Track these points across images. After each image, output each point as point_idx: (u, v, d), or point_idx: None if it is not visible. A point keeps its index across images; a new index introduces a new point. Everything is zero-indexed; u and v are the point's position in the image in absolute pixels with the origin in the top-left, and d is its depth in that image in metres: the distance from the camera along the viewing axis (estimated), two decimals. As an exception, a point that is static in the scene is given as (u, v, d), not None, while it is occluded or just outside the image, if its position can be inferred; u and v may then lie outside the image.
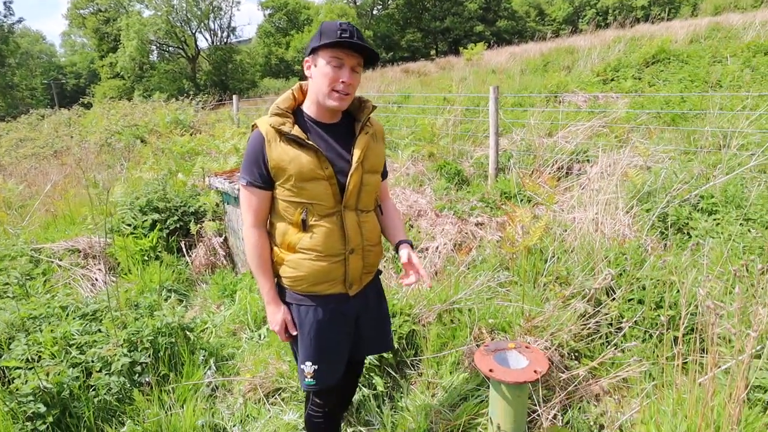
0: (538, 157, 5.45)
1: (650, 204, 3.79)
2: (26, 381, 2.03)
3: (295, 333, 1.61)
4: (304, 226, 1.52)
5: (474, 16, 38.36)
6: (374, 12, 41.59)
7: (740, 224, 3.49)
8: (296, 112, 1.58)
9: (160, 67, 34.27)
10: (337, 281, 1.59)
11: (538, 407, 1.91)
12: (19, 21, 36.15)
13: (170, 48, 34.86)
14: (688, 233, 3.66)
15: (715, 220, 3.61)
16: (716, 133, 5.16)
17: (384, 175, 1.74)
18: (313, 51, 1.49)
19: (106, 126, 11.34)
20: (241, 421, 2.26)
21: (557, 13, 41.18)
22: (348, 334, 1.67)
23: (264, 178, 1.52)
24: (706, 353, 1.68)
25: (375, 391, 2.33)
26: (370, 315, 1.72)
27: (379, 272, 1.79)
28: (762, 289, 2.01)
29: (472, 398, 2.21)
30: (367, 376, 2.38)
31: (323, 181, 1.50)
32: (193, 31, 34.41)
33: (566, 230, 3.53)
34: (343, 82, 1.47)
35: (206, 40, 39.31)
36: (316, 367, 1.61)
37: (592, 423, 1.97)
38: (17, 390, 1.99)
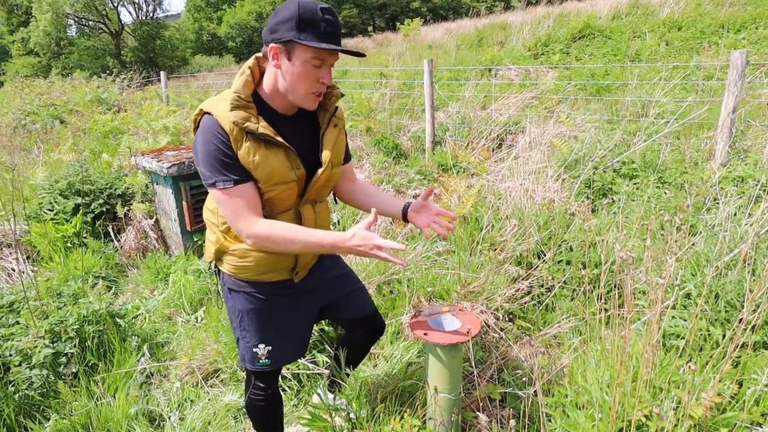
0: (473, 129, 5.57)
1: (577, 171, 4.00)
2: (-70, 382, 1.86)
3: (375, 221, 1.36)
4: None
5: (411, -9, 38.11)
6: (310, -15, 40.27)
7: (657, 187, 3.76)
8: (255, 100, 1.36)
9: (80, 43, 31.50)
10: (284, 270, 1.50)
11: (474, 369, 1.99)
12: None
13: (90, 22, 32.08)
14: (612, 198, 3.91)
15: (635, 184, 3.86)
16: (635, 103, 5.48)
17: (348, 158, 1.60)
18: (289, 41, 1.25)
19: (20, 106, 10.39)
20: (179, 405, 2.20)
21: (491, -11, 41.72)
22: (303, 313, 1.60)
23: (241, 174, 1.30)
24: (628, 308, 1.81)
25: (318, 368, 2.33)
26: (329, 280, 1.64)
27: None
28: (675, 242, 2.18)
29: (413, 366, 2.27)
30: (309, 351, 2.37)
31: (292, 183, 1.36)
32: (115, 5, 31.83)
33: (500, 199, 3.65)
34: (322, 82, 1.32)
35: (130, 14, 36.67)
36: (270, 347, 1.53)
37: (525, 379, 2.08)
38: None
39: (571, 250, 2.82)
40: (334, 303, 1.69)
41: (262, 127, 1.29)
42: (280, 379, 1.91)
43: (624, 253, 1.38)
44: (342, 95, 1.49)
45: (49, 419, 1.98)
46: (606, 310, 2.18)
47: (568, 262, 2.78)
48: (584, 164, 4.04)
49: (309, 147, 1.42)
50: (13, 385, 2.04)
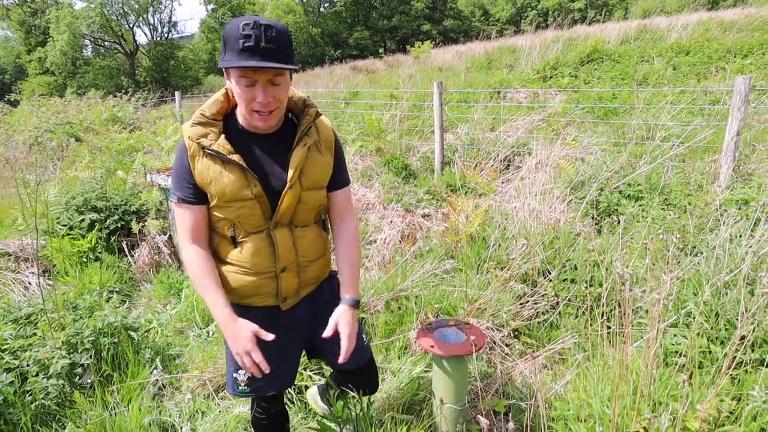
0: (481, 150, 5.66)
1: (583, 192, 4.05)
2: (-46, 388, 1.93)
3: (270, 338, 1.39)
4: (233, 242, 1.42)
5: (421, 15, 38.89)
6: (321, 9, 41.24)
7: (662, 209, 3.80)
8: (228, 118, 1.40)
9: (96, 63, 32.41)
10: (269, 295, 1.47)
11: (479, 383, 2.03)
12: None
13: (106, 43, 33.04)
14: (618, 219, 3.95)
15: (640, 205, 3.90)
16: (642, 126, 5.55)
17: (337, 185, 1.51)
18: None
19: (36, 124, 10.67)
20: (190, 417, 2.25)
21: (501, 13, 42.44)
22: (289, 345, 1.54)
23: (195, 193, 1.37)
24: (627, 324, 1.85)
25: (323, 380, 2.37)
26: (322, 323, 1.49)
27: (334, 276, 1.63)
28: (674, 260, 2.22)
29: (421, 380, 2.30)
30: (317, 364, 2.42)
31: (250, 201, 1.35)
32: (131, 26, 32.77)
33: (506, 219, 3.71)
34: (259, 101, 1.27)
35: (146, 35, 37.60)
36: (242, 374, 1.50)
37: (528, 393, 2.11)
38: (-56, 398, 1.89)
39: (576, 268, 2.86)
40: (323, 346, 1.54)
41: (218, 144, 1.32)
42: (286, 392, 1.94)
43: (622, 270, 1.43)
44: (318, 114, 1.43)
45: (64, 428, 2.03)
46: (609, 327, 2.22)
47: (573, 281, 2.82)
48: (590, 185, 4.09)
49: (273, 168, 1.39)
50: (30, 395, 2.10)
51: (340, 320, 1.45)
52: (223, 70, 1.30)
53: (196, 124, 1.35)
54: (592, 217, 3.93)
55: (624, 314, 1.66)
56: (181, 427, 2.13)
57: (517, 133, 5.90)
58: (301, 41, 36.42)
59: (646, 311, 2.54)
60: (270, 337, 1.38)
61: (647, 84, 8.28)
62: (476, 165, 5.40)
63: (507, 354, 2.41)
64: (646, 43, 11.26)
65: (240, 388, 1.53)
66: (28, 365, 2.17)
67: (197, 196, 1.37)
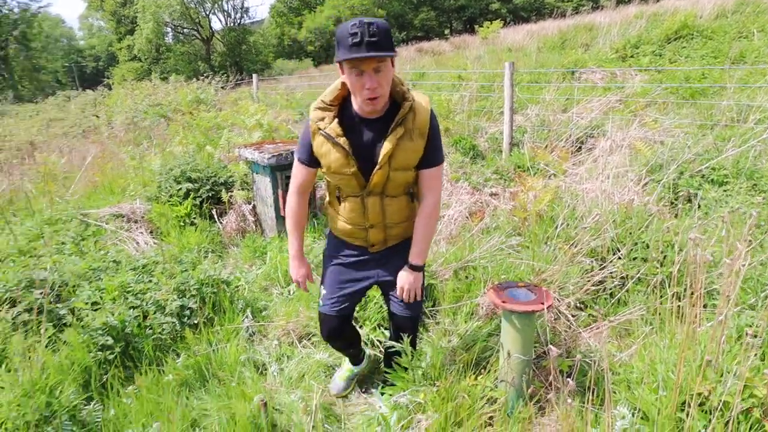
0: (551, 132, 5.58)
1: (661, 175, 3.94)
2: (95, 318, 2.34)
3: (311, 281, 1.99)
4: (339, 199, 1.82)
5: (491, -7, 37.61)
6: (387, -9, 41.03)
7: (749, 195, 3.62)
8: (344, 103, 1.69)
9: (176, 49, 34.56)
10: (360, 240, 1.86)
11: (543, 348, 2.14)
12: (47, 5, 36.68)
13: (185, 30, 35.07)
14: (699, 204, 3.80)
15: (725, 190, 3.74)
16: (732, 107, 5.22)
17: (426, 165, 1.71)
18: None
19: (131, 105, 11.69)
20: (277, 359, 2.55)
21: (578, -12, 40.16)
22: (359, 279, 1.93)
23: (309, 159, 1.76)
24: (700, 304, 1.88)
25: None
26: (393, 271, 1.87)
27: None
28: (749, 232, 2.18)
29: (486, 341, 2.45)
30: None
31: (348, 175, 1.69)
32: (207, 13, 34.50)
33: (576, 199, 3.71)
34: (367, 88, 1.53)
35: (220, 21, 39.32)
36: (324, 292, 1.97)
37: (592, 361, 2.20)
38: (89, 325, 2.30)
39: (648, 247, 2.85)
40: (386, 289, 1.98)
41: (330, 128, 1.64)
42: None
43: (694, 234, 1.49)
44: (411, 107, 1.63)
45: (179, 356, 2.40)
46: (679, 308, 2.24)
47: (644, 259, 2.82)
48: (668, 168, 3.97)
49: (370, 149, 1.67)
50: (150, 329, 2.48)
51: (399, 278, 1.83)
52: (338, 64, 1.57)
53: (316, 108, 1.68)
54: (669, 201, 3.82)
55: (693, 281, 1.70)
56: (271, 365, 2.42)
57: (591, 115, 5.75)
58: (367, 24, 36.42)
59: (719, 293, 2.51)
60: (312, 281, 2.03)
61: (743, 62, 7.65)
62: (546, 146, 5.35)
63: (570, 325, 2.49)
64: (746, 16, 10.29)
65: (319, 303, 2.01)
66: (147, 305, 2.55)
67: (311, 161, 1.76)
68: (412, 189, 1.81)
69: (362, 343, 2.37)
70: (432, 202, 1.76)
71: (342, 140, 1.63)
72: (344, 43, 1.48)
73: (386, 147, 1.63)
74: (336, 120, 1.64)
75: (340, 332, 2.05)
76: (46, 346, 2.21)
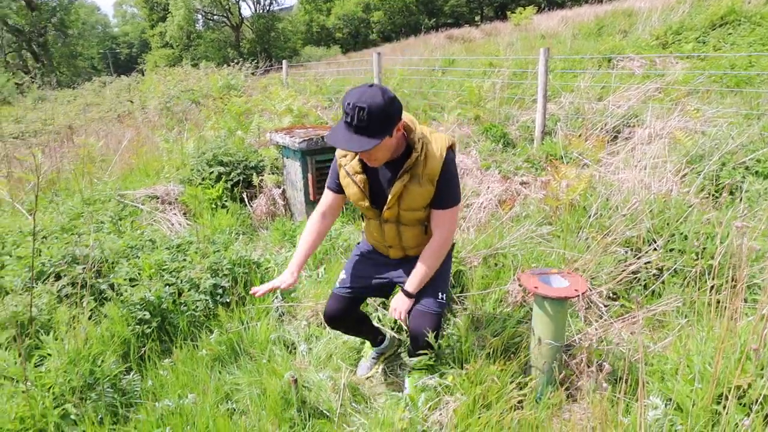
0: (586, 120, 5.44)
1: (701, 166, 3.80)
2: (133, 294, 2.42)
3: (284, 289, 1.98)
4: (362, 217, 2.05)
5: (524, -22, 36.66)
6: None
7: (797, 188, 3.46)
8: None
9: (206, 36, 35.03)
10: (383, 247, 2.04)
11: (575, 337, 2.11)
12: None
13: (215, 16, 35.47)
14: (741, 197, 3.66)
15: (771, 183, 3.58)
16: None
17: (437, 206, 1.80)
18: None
19: (164, 91, 11.94)
20: (306, 339, 2.59)
21: (616, -27, 38.76)
22: (377, 276, 2.06)
23: (336, 187, 1.94)
24: (741, 296, 1.81)
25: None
26: (402, 279, 1.98)
27: None
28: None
29: (515, 328, 2.43)
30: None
31: (365, 207, 1.88)
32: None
33: (610, 189, 3.62)
34: (360, 159, 1.73)
35: (249, 7, 39.75)
36: (343, 276, 2.09)
37: (625, 351, 2.16)
38: (128, 300, 2.38)
39: (686, 238, 2.77)
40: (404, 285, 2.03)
41: (350, 165, 1.82)
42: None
43: (739, 222, 1.44)
44: (417, 158, 1.71)
45: (212, 333, 2.47)
46: (718, 301, 2.17)
47: (681, 251, 2.74)
48: (710, 159, 3.82)
49: (383, 188, 1.83)
50: (184, 306, 2.56)
51: (394, 299, 1.93)
52: None
53: None
54: (709, 193, 3.69)
55: (737, 275, 1.65)
56: (300, 344, 2.47)
57: (629, 103, 5.57)
58: (396, 10, 36.12)
59: (763, 289, 2.42)
60: (264, 290, 1.93)
61: (796, 49, 7.25)
62: (580, 135, 5.22)
63: (602, 314, 2.45)
64: (806, 0, 9.71)
65: (337, 284, 2.11)
66: (182, 283, 2.63)
67: (337, 188, 1.95)
68: (427, 222, 1.91)
69: (379, 326, 2.47)
70: (439, 239, 1.85)
71: (358, 178, 1.81)
72: (343, 112, 1.60)
73: (394, 190, 1.77)
74: (356, 158, 1.80)
75: (341, 317, 2.07)
76: (89, 318, 2.31)
